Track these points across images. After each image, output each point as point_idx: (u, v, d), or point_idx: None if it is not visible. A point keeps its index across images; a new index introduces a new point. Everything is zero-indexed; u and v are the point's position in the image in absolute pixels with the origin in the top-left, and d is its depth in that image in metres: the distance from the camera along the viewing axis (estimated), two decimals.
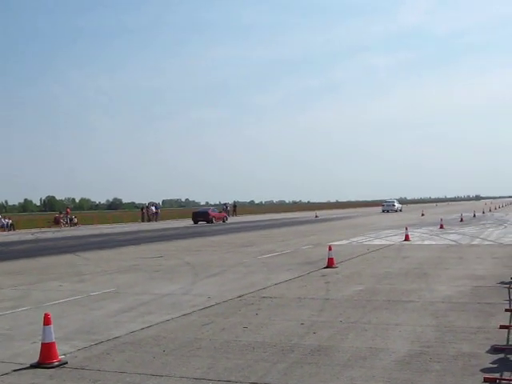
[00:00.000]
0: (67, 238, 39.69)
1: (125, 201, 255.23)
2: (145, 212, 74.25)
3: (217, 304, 11.62)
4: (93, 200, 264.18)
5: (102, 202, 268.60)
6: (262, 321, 9.88)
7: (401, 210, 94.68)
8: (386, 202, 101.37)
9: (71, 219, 66.15)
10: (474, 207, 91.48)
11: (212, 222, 63.06)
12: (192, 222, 62.87)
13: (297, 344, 8.18)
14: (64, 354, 7.88)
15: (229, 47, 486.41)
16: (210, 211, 66.16)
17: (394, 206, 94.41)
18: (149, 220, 71.43)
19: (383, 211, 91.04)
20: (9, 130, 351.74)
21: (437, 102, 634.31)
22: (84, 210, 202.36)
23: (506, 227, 36.14)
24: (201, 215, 65.08)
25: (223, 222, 65.67)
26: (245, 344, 8.28)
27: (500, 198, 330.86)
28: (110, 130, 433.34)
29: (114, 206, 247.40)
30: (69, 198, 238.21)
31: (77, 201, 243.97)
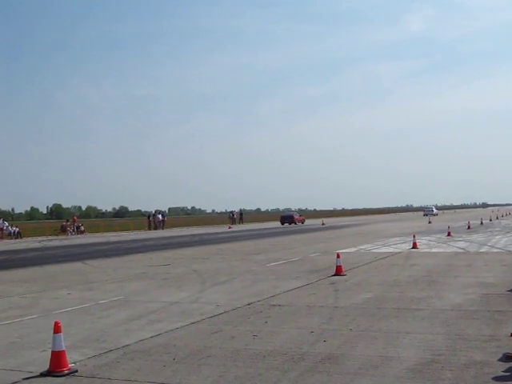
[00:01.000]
0: (74, 246, 39.71)
1: (131, 209, 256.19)
2: (151, 220, 74.24)
3: (226, 312, 11.60)
4: (99, 208, 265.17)
5: (108, 210, 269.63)
6: (271, 329, 9.85)
7: (437, 215, 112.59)
8: (426, 208, 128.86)
9: (78, 227, 66.13)
10: (480, 214, 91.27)
11: (295, 224, 78.12)
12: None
13: (307, 352, 8.15)
14: (74, 363, 7.87)
15: (227, 55, 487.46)
16: (294, 215, 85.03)
17: (432, 211, 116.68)
18: (155, 228, 71.41)
19: (424, 215, 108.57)
20: (15, 138, 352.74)
21: (443, 110, 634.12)
22: (90, 217, 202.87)
23: None
24: (287, 218, 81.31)
25: (302, 223, 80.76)
26: (255, 352, 8.26)
27: (507, 205, 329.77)
28: (116, 137, 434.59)
29: (121, 213, 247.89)
30: (75, 206, 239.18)
31: (83, 209, 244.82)
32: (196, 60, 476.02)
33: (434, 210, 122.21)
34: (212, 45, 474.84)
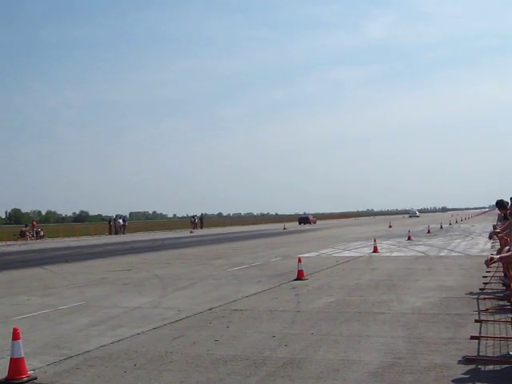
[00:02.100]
0: (33, 252, 39.20)
1: (91, 213, 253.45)
2: (112, 224, 73.71)
3: (187, 317, 11.54)
4: (59, 213, 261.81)
5: (68, 215, 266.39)
6: (233, 334, 9.83)
7: (419, 216, 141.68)
8: (410, 211, 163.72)
9: (37, 232, 65.33)
10: (440, 219, 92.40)
11: (310, 224, 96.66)
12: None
13: (269, 357, 8.15)
14: (33, 370, 7.75)
15: (191, 60, 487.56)
16: (309, 217, 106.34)
17: (416, 213, 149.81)
18: (116, 233, 70.89)
19: (410, 217, 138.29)
20: None
21: (403, 116, 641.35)
22: (50, 222, 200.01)
23: (472, 238, 36.50)
24: (304, 220, 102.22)
25: (314, 223, 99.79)
26: (217, 357, 8.23)
27: (466, 209, 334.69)
28: (76, 142, 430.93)
29: (81, 218, 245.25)
30: (35, 211, 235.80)
31: (43, 213, 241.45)
32: (161, 65, 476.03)
33: (417, 212, 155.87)
34: (177, 50, 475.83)
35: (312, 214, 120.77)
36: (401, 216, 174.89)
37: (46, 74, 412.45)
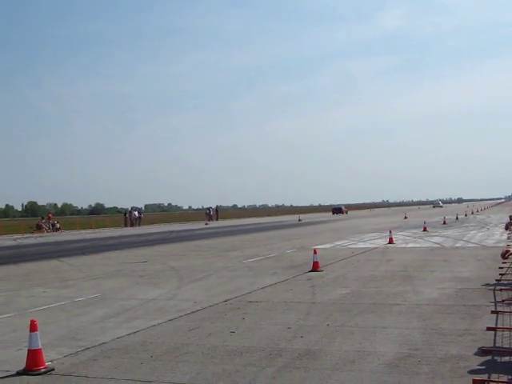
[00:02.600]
0: (50, 244, 39.38)
1: (107, 206, 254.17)
2: (128, 217, 73.86)
3: (203, 309, 11.57)
4: (75, 205, 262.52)
5: (84, 207, 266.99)
6: (248, 325, 9.85)
7: (442, 207, 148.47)
8: (434, 201, 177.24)
9: (53, 224, 65.58)
10: (456, 210, 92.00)
11: (343, 214, 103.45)
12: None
13: (284, 348, 8.16)
14: (50, 361, 7.80)
15: (204, 54, 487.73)
16: (342, 207, 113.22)
17: (439, 203, 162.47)
18: (132, 225, 71.05)
19: (433, 207, 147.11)
20: None
21: (417, 107, 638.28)
22: (66, 215, 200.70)
23: (488, 229, 36.31)
24: (337, 210, 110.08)
25: (346, 213, 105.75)
26: (232, 349, 8.25)
27: (482, 200, 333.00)
28: (91, 135, 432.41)
29: (97, 210, 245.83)
30: (51, 204, 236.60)
31: (59, 206, 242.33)
32: (173, 58, 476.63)
33: (441, 203, 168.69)
34: (189, 43, 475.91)
35: (344, 205, 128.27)
36: (416, 207, 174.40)
37: (58, 67, 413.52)
